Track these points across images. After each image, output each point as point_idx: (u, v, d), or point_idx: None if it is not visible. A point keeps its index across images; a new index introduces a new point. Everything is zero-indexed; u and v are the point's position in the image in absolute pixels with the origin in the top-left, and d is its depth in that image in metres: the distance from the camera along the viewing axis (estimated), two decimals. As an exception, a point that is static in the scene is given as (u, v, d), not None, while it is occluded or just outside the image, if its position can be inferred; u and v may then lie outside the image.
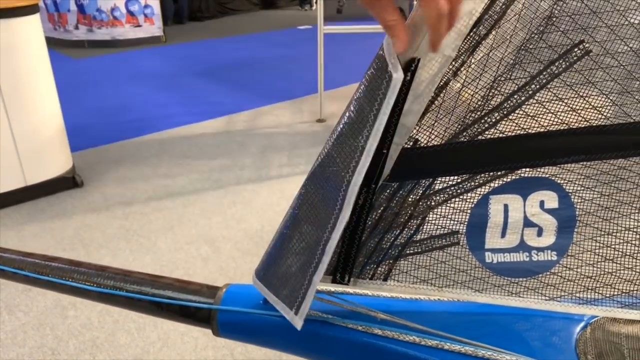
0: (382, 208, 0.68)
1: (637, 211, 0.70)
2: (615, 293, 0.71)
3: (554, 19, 0.58)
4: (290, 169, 3.20)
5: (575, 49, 0.60)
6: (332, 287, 0.73)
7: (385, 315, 0.71)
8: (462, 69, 0.60)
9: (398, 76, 0.54)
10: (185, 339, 1.84)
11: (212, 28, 8.49)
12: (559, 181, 0.68)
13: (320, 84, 3.93)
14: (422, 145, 0.64)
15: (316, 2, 10.93)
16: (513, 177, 0.67)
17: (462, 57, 0.59)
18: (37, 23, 2.72)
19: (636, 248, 0.70)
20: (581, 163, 0.66)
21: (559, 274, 0.72)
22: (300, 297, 0.66)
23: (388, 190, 0.67)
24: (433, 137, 0.63)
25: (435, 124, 0.63)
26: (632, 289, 0.71)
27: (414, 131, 0.62)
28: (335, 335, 0.71)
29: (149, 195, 2.90)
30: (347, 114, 0.60)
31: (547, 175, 0.68)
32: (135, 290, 0.81)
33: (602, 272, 0.71)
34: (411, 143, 0.63)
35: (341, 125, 0.60)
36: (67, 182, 2.96)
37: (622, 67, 0.61)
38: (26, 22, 2.62)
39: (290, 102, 4.57)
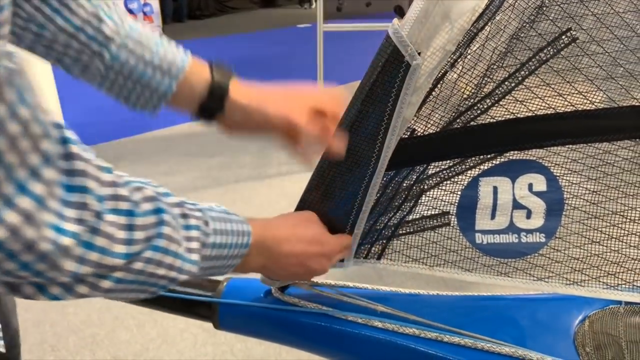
0: (378, 194, 0.70)
1: (623, 195, 0.72)
2: (602, 275, 0.74)
3: (545, 8, 0.61)
4: (289, 167, 3.22)
5: (563, 37, 0.62)
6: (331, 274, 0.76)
7: (385, 308, 0.72)
8: (459, 60, 0.62)
9: (419, 62, 0.57)
10: (185, 336, 1.86)
11: (212, 26, 8.52)
12: (546, 164, 0.70)
13: (320, 83, 3.95)
14: (419, 134, 0.66)
15: (316, 1, 10.97)
16: (502, 160, 0.69)
17: (460, 50, 0.61)
18: (38, 21, 2.74)
19: (622, 231, 0.73)
20: (567, 146, 0.69)
21: (547, 256, 0.74)
22: None
23: (385, 179, 0.69)
24: (429, 126, 0.66)
25: (432, 114, 0.65)
26: (617, 270, 0.74)
27: (412, 122, 0.65)
28: (335, 328, 0.72)
29: (149, 191, 2.92)
30: (355, 108, 0.62)
31: (535, 158, 0.70)
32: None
33: (589, 254, 0.74)
34: (409, 133, 0.66)
35: (352, 119, 0.63)
36: (67, 179, 2.97)
37: (607, 54, 0.64)
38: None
39: (289, 100, 4.59)
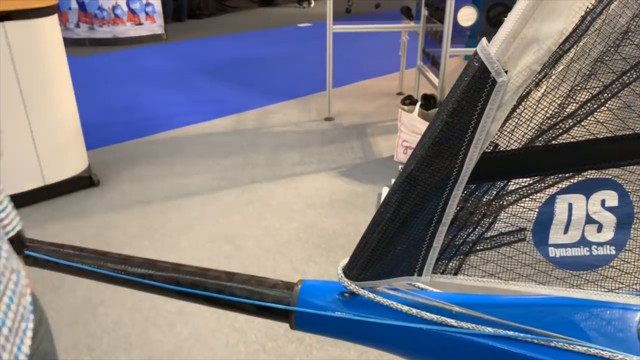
0: (458, 208, 0.73)
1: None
2: (671, 285, 0.77)
3: (630, 34, 0.63)
4: (303, 167, 3.25)
5: (646, 61, 0.65)
6: (407, 282, 0.79)
7: (460, 309, 0.76)
8: (543, 80, 0.65)
9: (504, 79, 0.60)
10: (217, 335, 1.89)
11: (212, 26, 8.50)
12: (619, 181, 0.73)
13: (329, 83, 3.97)
14: (501, 149, 0.69)
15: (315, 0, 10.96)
16: (579, 179, 0.72)
17: (545, 70, 0.64)
18: (56, 24, 2.75)
19: (689, 242, 0.76)
20: None
21: (617, 267, 0.77)
22: (419, 263, 0.75)
23: (465, 192, 0.72)
24: (512, 142, 0.68)
25: (515, 130, 0.68)
26: (686, 281, 0.77)
27: (495, 137, 0.67)
28: (410, 328, 0.76)
29: (167, 194, 2.94)
30: (441, 120, 0.65)
31: (610, 177, 0.73)
32: (215, 289, 0.85)
33: (658, 266, 0.77)
34: (492, 147, 0.68)
35: (437, 130, 0.65)
36: (84, 182, 2.99)
37: (687, 77, 0.67)
38: (45, 23, 2.65)
39: (296, 100, 4.61)
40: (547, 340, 0.71)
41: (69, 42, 6.91)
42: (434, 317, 0.75)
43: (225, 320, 1.95)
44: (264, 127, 4.00)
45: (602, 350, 0.69)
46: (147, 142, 3.71)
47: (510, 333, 0.72)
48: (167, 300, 2.04)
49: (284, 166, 3.28)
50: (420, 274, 0.77)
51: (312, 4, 10.81)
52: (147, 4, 7.03)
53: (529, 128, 0.68)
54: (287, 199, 2.84)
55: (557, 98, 0.67)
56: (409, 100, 3.37)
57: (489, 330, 0.73)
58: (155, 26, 7.20)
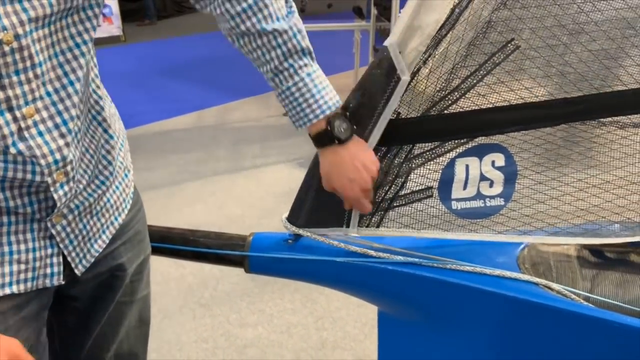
0: (374, 168, 0.89)
1: (558, 165, 0.93)
2: (545, 226, 0.95)
3: (492, 23, 0.82)
4: (263, 159, 3.39)
5: (509, 45, 0.83)
6: (337, 233, 0.95)
7: (378, 245, 0.92)
8: (429, 59, 0.83)
9: (406, 78, 0.78)
10: (184, 311, 2.03)
11: (171, 27, 8.53)
12: (505, 145, 0.90)
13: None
14: (403, 117, 0.86)
15: None
16: (473, 144, 0.89)
17: (430, 51, 0.82)
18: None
19: (558, 192, 0.94)
20: (521, 132, 0.89)
21: (505, 215, 0.94)
22: (346, 217, 0.92)
23: (379, 154, 0.88)
24: (411, 111, 0.86)
25: (412, 101, 0.85)
26: (555, 222, 0.95)
27: (397, 106, 0.84)
28: (340, 262, 0.93)
29: (131, 188, 3.04)
30: (359, 94, 0.83)
31: (497, 142, 0.89)
32: (180, 242, 1.02)
33: (536, 211, 0.94)
34: (395, 115, 0.85)
35: (356, 101, 0.83)
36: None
37: (542, 58, 0.85)
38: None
39: (255, 97, 4.73)
40: (443, 264, 0.89)
41: (25, 45, 6.84)
42: (357, 249, 0.91)
43: (191, 297, 2.09)
44: (225, 123, 4.13)
45: (484, 268, 0.88)
46: (110, 140, 3.78)
47: (416, 260, 0.89)
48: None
49: (245, 159, 3.43)
50: (348, 226, 0.93)
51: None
52: (105, 6, 7.02)
53: (424, 99, 0.86)
54: (248, 189, 2.99)
55: (443, 74, 0.84)
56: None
57: (400, 258, 0.90)
58: (112, 28, 7.20)
